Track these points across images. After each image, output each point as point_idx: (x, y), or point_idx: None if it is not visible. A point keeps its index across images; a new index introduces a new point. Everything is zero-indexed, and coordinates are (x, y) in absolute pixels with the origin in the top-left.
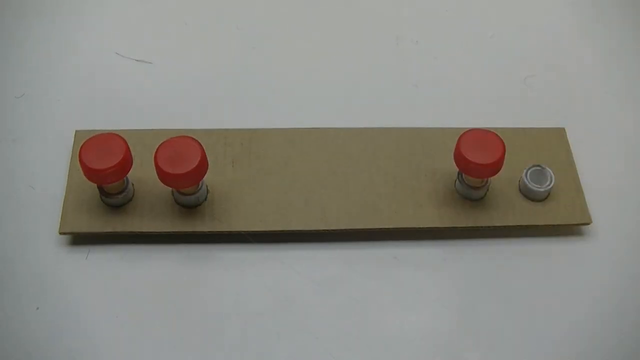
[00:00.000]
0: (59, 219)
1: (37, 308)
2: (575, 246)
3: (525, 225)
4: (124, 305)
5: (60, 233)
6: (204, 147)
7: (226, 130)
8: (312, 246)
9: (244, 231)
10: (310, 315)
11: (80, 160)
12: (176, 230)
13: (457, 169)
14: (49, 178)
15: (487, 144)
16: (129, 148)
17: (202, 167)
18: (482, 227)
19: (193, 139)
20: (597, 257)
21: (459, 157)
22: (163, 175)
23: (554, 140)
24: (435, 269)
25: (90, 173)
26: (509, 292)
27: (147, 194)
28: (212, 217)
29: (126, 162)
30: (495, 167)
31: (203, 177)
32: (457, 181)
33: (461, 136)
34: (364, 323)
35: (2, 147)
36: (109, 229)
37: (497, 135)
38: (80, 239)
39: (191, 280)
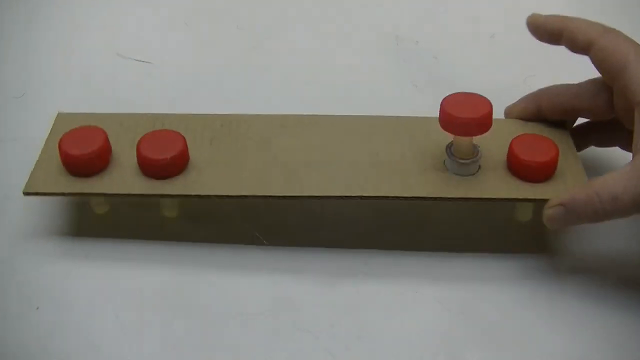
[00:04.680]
0: (59, 219)
1: (37, 308)
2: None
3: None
4: (124, 305)
5: (24, 193)
6: (184, 125)
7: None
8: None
9: (215, 195)
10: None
11: (60, 147)
12: (143, 192)
13: (447, 144)
14: None
15: (472, 103)
16: (107, 139)
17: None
18: (472, 198)
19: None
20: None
21: (444, 117)
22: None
23: (557, 136)
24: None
25: (68, 159)
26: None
27: (119, 163)
28: (185, 184)
29: (103, 152)
30: (482, 122)
31: None
32: (447, 156)
33: (444, 99)
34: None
35: (2, 147)
36: (75, 190)
37: (482, 96)
38: (79, 239)
39: (191, 280)
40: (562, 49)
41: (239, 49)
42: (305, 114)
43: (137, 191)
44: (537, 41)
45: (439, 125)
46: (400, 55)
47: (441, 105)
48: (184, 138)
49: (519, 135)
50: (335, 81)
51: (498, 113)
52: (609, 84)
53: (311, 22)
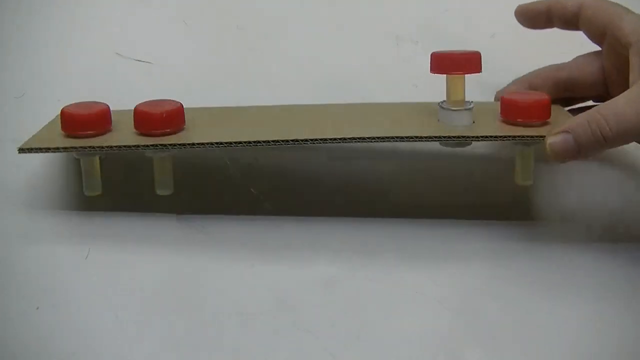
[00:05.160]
0: (59, 220)
1: (37, 308)
2: None
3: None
4: (124, 304)
5: (19, 150)
6: None
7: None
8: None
9: (207, 143)
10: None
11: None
12: (135, 144)
13: (439, 103)
14: (49, 179)
15: (461, 52)
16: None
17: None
18: (467, 137)
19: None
20: None
21: (435, 60)
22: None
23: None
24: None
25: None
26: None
27: (117, 129)
28: (178, 139)
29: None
30: (472, 59)
31: None
32: (440, 109)
33: (432, 53)
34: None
35: (2, 147)
36: (68, 144)
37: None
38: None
39: (191, 280)
40: (561, 49)
41: (239, 49)
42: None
43: (129, 143)
44: (536, 42)
45: (434, 106)
46: (400, 55)
47: (431, 55)
48: (181, 104)
49: (509, 92)
50: (334, 81)
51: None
52: (598, 42)
53: (311, 23)
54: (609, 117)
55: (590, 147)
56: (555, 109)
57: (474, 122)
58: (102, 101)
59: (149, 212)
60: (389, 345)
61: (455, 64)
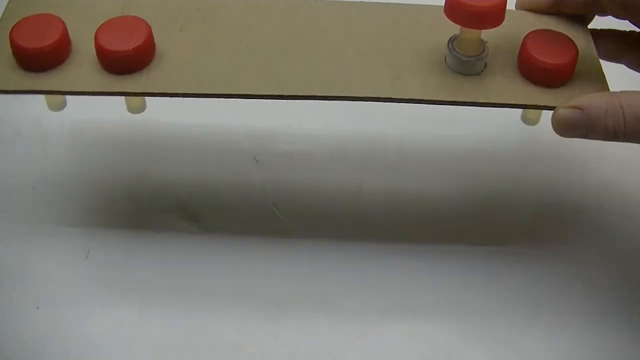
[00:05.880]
0: (58, 218)
1: (37, 308)
2: None
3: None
4: (124, 304)
5: None
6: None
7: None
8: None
9: (184, 93)
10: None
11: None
12: (101, 90)
13: (450, 37)
14: (49, 178)
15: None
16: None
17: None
18: (475, 102)
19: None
20: None
21: (451, 3)
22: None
23: (572, 27)
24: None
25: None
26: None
27: (78, 56)
28: (148, 80)
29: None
30: (496, 12)
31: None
32: (448, 51)
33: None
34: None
35: (2, 147)
36: (26, 86)
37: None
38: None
39: (191, 280)
40: None
41: None
42: None
43: (93, 88)
44: None
45: (442, 15)
46: None
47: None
48: (149, 26)
49: (532, 31)
50: None
51: (509, 4)
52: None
53: None
54: (628, 113)
55: (600, 135)
56: (582, 53)
57: (485, 66)
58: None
59: (149, 212)
60: (388, 345)
61: (473, 16)
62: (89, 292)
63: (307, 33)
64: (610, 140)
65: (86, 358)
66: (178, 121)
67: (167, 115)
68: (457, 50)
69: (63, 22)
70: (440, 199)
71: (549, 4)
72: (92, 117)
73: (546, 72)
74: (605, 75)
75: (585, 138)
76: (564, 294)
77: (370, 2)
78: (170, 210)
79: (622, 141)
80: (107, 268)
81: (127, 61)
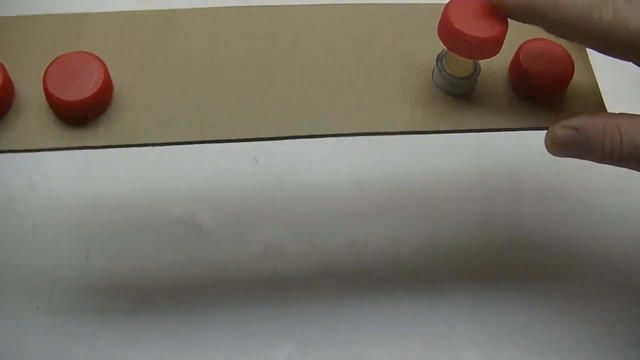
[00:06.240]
0: (58, 218)
1: (37, 308)
2: None
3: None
4: (124, 304)
5: None
6: (108, 30)
7: (135, 12)
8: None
9: (152, 143)
10: None
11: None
12: (56, 146)
13: (439, 53)
14: (49, 178)
15: (483, 14)
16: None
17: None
18: (468, 130)
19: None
20: None
21: (445, 29)
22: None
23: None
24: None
25: None
26: None
27: (25, 101)
28: (109, 129)
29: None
30: (494, 43)
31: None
32: (436, 69)
33: (449, 4)
34: None
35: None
36: None
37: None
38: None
39: (191, 280)
40: None
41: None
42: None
43: (47, 145)
44: None
45: (432, 21)
46: None
47: (445, 10)
48: (104, 64)
49: (524, 43)
50: None
51: None
52: None
53: None
54: (625, 138)
55: (595, 157)
56: (577, 64)
57: (476, 83)
58: None
59: (149, 212)
60: (388, 345)
61: (466, 46)
62: (89, 293)
63: (285, 52)
64: (605, 163)
65: (86, 358)
66: None
67: None
68: (447, 71)
69: (2, 65)
70: (440, 199)
71: None
72: None
73: (540, 90)
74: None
75: (579, 158)
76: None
77: (352, 4)
78: (170, 210)
79: (617, 165)
80: (107, 268)
81: (84, 110)
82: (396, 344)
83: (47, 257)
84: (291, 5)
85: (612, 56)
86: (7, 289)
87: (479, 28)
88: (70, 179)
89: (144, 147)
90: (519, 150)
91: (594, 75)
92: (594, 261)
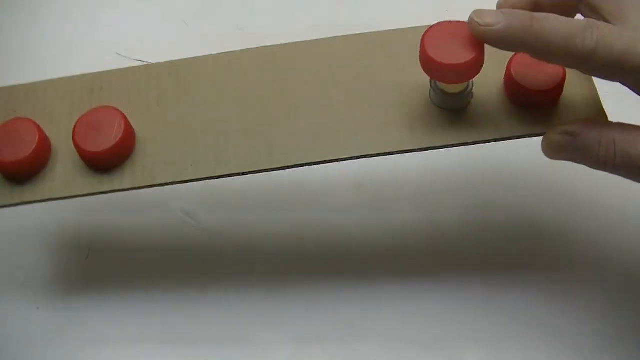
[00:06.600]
0: (58, 218)
1: (37, 308)
2: None
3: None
4: (124, 304)
5: None
6: (126, 84)
7: (148, 65)
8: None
9: (173, 182)
10: None
11: None
12: (88, 193)
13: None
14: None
15: (460, 37)
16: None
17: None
18: (465, 143)
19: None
20: None
21: (424, 59)
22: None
23: None
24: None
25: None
26: None
27: (59, 156)
28: (134, 173)
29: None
30: (472, 66)
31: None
32: (431, 89)
33: (426, 33)
34: None
35: None
36: (13, 200)
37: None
38: (80, 237)
39: (192, 278)
40: None
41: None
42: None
43: (83, 192)
44: None
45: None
46: None
47: (422, 42)
48: (124, 117)
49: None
50: None
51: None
52: None
53: (312, 22)
54: (619, 148)
55: (590, 163)
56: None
57: (472, 97)
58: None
59: (149, 212)
60: (389, 345)
61: (447, 74)
62: (89, 292)
63: (287, 86)
64: (599, 170)
65: (86, 358)
66: None
67: None
68: (440, 89)
69: (38, 126)
70: (439, 199)
71: (529, 8)
72: None
73: (534, 97)
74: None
75: (574, 162)
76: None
77: (344, 35)
78: (170, 209)
79: (610, 172)
80: (107, 268)
81: (110, 159)
82: (396, 341)
83: (47, 257)
84: (288, 43)
85: (598, 77)
86: (7, 289)
87: (456, 55)
88: None
89: None
90: (520, 142)
91: (592, 79)
92: (595, 251)
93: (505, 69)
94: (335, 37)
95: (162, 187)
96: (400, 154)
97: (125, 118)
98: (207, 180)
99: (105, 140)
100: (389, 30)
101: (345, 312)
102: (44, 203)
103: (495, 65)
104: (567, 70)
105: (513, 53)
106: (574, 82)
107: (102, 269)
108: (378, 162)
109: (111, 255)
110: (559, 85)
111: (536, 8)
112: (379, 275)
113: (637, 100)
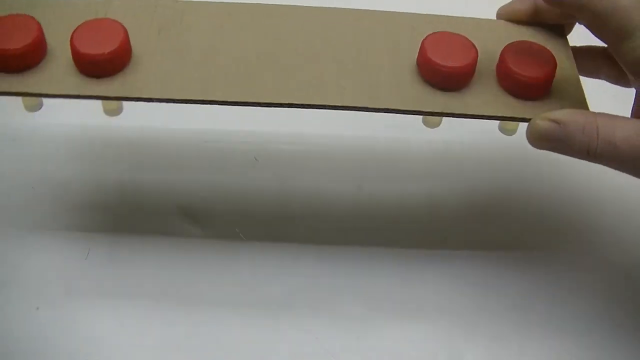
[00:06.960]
0: (58, 218)
1: (37, 308)
2: None
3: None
4: (124, 304)
5: None
6: (132, 13)
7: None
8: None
9: (159, 98)
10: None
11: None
12: (77, 93)
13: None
14: (49, 177)
15: (457, 47)
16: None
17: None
18: (452, 113)
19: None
20: None
21: (423, 61)
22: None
23: (552, 38)
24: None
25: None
26: None
27: (54, 58)
28: (125, 83)
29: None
30: (465, 72)
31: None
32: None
33: (425, 39)
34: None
35: (3, 147)
36: (4, 89)
37: (467, 38)
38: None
39: (191, 280)
40: None
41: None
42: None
43: (70, 92)
44: None
45: (425, 24)
46: None
47: (421, 45)
48: (125, 30)
49: (510, 43)
50: None
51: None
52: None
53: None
54: (602, 136)
55: (573, 152)
56: (561, 64)
57: None
58: None
59: (149, 212)
60: (388, 346)
61: (441, 79)
62: (89, 292)
63: (286, 39)
64: (581, 159)
65: (86, 358)
66: (178, 121)
67: (167, 115)
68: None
69: (38, 23)
70: (439, 201)
71: (528, 13)
72: (93, 118)
73: (524, 85)
74: (583, 85)
75: (557, 152)
76: (558, 297)
77: (347, 9)
78: (170, 210)
79: (592, 161)
80: (107, 268)
81: (103, 65)
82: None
83: (47, 257)
84: (292, 5)
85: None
86: (7, 289)
87: (451, 57)
88: (70, 178)
89: (145, 147)
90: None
91: (577, 72)
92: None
93: (498, 56)
94: (336, 7)
95: (161, 187)
96: (386, 113)
97: (126, 32)
98: (207, 180)
99: (101, 46)
100: (391, 11)
101: (345, 310)
102: (44, 203)
103: (488, 52)
104: (558, 67)
105: (506, 41)
106: (562, 76)
107: (102, 269)
108: (378, 162)
109: (111, 255)
110: (549, 77)
111: (535, 15)
112: (379, 275)
113: (616, 98)
